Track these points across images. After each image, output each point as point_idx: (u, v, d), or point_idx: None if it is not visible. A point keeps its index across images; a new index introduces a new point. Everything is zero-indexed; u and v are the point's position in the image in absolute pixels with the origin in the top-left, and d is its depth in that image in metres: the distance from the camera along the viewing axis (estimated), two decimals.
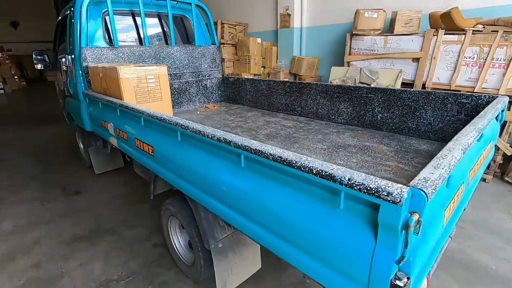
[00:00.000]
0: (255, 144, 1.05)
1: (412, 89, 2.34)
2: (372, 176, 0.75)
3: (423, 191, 0.69)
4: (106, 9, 3.06)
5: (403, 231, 0.70)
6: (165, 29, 3.70)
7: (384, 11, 4.05)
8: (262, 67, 6.31)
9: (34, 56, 4.01)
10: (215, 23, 6.33)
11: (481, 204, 2.95)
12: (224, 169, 1.26)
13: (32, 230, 2.64)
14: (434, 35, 3.57)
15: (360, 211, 0.80)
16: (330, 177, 0.81)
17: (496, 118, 1.90)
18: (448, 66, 3.55)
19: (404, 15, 3.82)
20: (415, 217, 0.69)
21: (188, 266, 2.00)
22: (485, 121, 1.28)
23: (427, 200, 0.69)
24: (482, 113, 1.41)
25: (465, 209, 1.48)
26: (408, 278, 0.75)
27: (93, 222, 2.74)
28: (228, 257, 1.66)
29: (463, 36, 3.36)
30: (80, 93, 3.02)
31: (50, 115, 7.26)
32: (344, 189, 0.79)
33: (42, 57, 4.11)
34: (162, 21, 3.68)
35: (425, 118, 2.28)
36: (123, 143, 2.29)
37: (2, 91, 12.13)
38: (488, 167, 3.48)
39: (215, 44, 4.00)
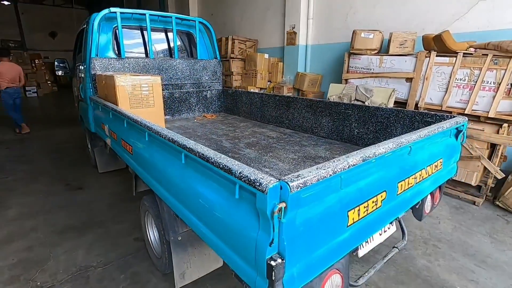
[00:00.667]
0: (190, 143, 1.22)
1: (385, 107, 2.45)
2: (255, 171, 0.90)
3: (288, 184, 0.83)
4: (117, 24, 3.42)
5: (273, 217, 0.84)
6: (170, 43, 4.03)
7: (381, 32, 4.17)
8: (268, 81, 6.54)
9: (56, 63, 4.48)
10: (227, 39, 6.69)
11: (464, 226, 2.91)
12: (173, 166, 1.44)
13: (32, 218, 2.92)
14: (426, 57, 3.64)
15: (249, 200, 0.94)
16: (229, 171, 0.97)
17: (456, 137, 1.96)
18: (440, 87, 3.59)
19: (399, 37, 3.93)
20: (281, 205, 0.83)
21: (158, 258, 2.17)
22: (414, 136, 1.38)
23: (290, 191, 0.83)
24: (420, 130, 1.50)
25: (397, 219, 1.55)
26: (282, 260, 0.88)
27: (86, 215, 2.98)
28: (187, 251, 1.80)
29: (455, 58, 3.42)
30: (88, 98, 3.35)
31: (71, 117, 7.85)
32: (238, 181, 0.95)
33: (63, 65, 4.57)
34: (168, 35, 4.01)
35: (395, 135, 2.36)
36: (114, 143, 2.54)
37: (35, 95, 13.18)
38: (479, 190, 3.44)
39: (217, 58, 4.28)
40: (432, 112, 2.12)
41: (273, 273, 0.86)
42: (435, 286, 2.13)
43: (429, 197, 1.92)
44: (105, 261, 2.31)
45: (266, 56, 6.34)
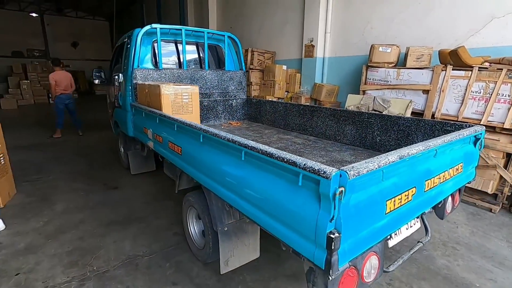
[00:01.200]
0: (251, 143, 1.48)
1: (406, 116, 2.66)
2: (317, 163, 1.14)
3: (346, 172, 1.07)
4: (156, 39, 3.76)
5: (334, 198, 1.07)
6: (201, 55, 4.36)
7: (398, 46, 4.41)
8: (286, 91, 6.82)
9: (93, 73, 4.86)
10: (246, 51, 7.04)
11: (481, 231, 3.06)
12: (230, 163, 1.69)
13: (78, 212, 3.21)
14: (442, 70, 3.85)
15: (311, 187, 1.18)
16: (294, 163, 1.21)
17: (475, 144, 2.16)
18: (456, 99, 3.78)
19: (416, 51, 4.16)
20: (341, 189, 1.06)
21: (199, 249, 2.40)
22: (439, 141, 1.60)
23: (348, 178, 1.06)
24: (443, 136, 1.72)
25: (424, 213, 1.75)
26: (339, 233, 1.11)
27: (126, 211, 3.26)
28: (231, 240, 2.04)
29: (470, 72, 3.62)
30: (128, 105, 3.68)
31: (96, 123, 8.28)
32: (301, 171, 1.19)
33: (99, 74, 4.95)
34: (199, 48, 4.34)
35: (416, 142, 2.56)
36: (158, 146, 2.82)
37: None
38: (495, 198, 3.57)
39: (243, 70, 4.58)
40: (451, 122, 2.32)
41: (332, 244, 1.09)
42: (455, 283, 2.29)
43: (450, 198, 2.11)
44: (150, 251, 2.56)
45: (284, 67, 6.64)
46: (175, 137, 2.40)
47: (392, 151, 1.34)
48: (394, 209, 1.39)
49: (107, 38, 20.82)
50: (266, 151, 1.36)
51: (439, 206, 1.99)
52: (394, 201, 1.38)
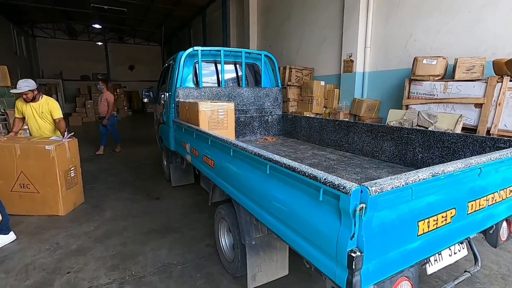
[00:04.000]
0: (275, 157, 1.50)
1: (451, 132, 2.46)
2: (338, 178, 1.12)
3: (368, 188, 1.03)
4: (197, 60, 4.05)
5: (354, 215, 1.04)
6: (239, 73, 4.56)
7: (444, 58, 4.13)
8: (324, 107, 6.73)
9: (143, 92, 5.35)
10: (284, 68, 7.17)
11: None
12: (257, 177, 1.72)
13: (123, 220, 3.48)
14: (498, 82, 3.50)
15: (332, 202, 1.15)
16: (315, 178, 1.20)
17: None
18: None
19: (466, 62, 3.85)
20: (362, 205, 1.03)
21: (229, 262, 2.43)
22: (484, 158, 1.45)
23: (370, 194, 1.02)
24: (491, 153, 1.56)
25: (469, 239, 1.57)
26: (361, 252, 1.06)
27: (165, 221, 3.44)
28: (259, 255, 2.03)
29: None
30: (171, 121, 3.96)
31: (145, 138, 9.00)
32: (322, 186, 1.17)
33: (148, 93, 5.43)
34: (238, 67, 4.55)
35: None
36: (194, 159, 2.97)
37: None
38: None
39: (278, 87, 4.67)
40: (506, 138, 2.09)
41: (353, 263, 1.04)
42: None
43: (505, 224, 1.87)
44: (183, 260, 2.65)
45: (322, 83, 6.60)
46: (209, 151, 2.52)
47: (425, 168, 1.26)
48: (429, 231, 1.28)
49: (159, 60, 22.83)
50: (289, 165, 1.37)
51: (490, 232, 1.77)
52: (428, 222, 1.27)
